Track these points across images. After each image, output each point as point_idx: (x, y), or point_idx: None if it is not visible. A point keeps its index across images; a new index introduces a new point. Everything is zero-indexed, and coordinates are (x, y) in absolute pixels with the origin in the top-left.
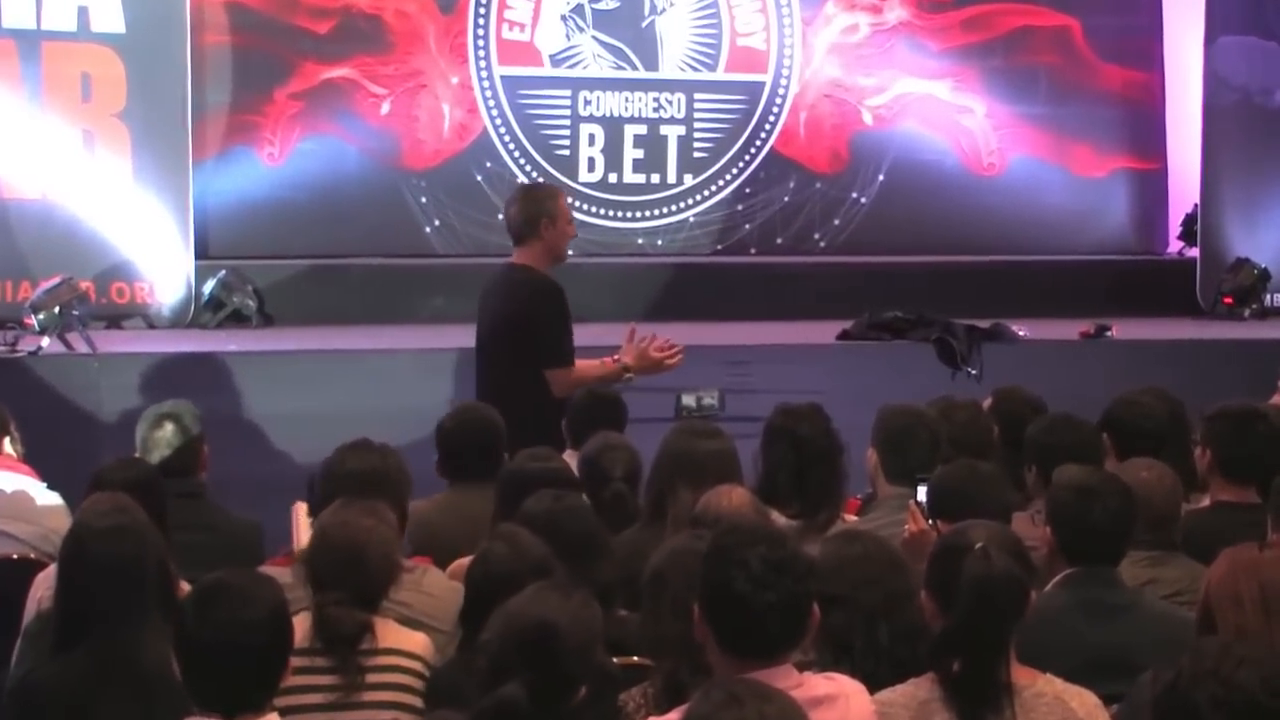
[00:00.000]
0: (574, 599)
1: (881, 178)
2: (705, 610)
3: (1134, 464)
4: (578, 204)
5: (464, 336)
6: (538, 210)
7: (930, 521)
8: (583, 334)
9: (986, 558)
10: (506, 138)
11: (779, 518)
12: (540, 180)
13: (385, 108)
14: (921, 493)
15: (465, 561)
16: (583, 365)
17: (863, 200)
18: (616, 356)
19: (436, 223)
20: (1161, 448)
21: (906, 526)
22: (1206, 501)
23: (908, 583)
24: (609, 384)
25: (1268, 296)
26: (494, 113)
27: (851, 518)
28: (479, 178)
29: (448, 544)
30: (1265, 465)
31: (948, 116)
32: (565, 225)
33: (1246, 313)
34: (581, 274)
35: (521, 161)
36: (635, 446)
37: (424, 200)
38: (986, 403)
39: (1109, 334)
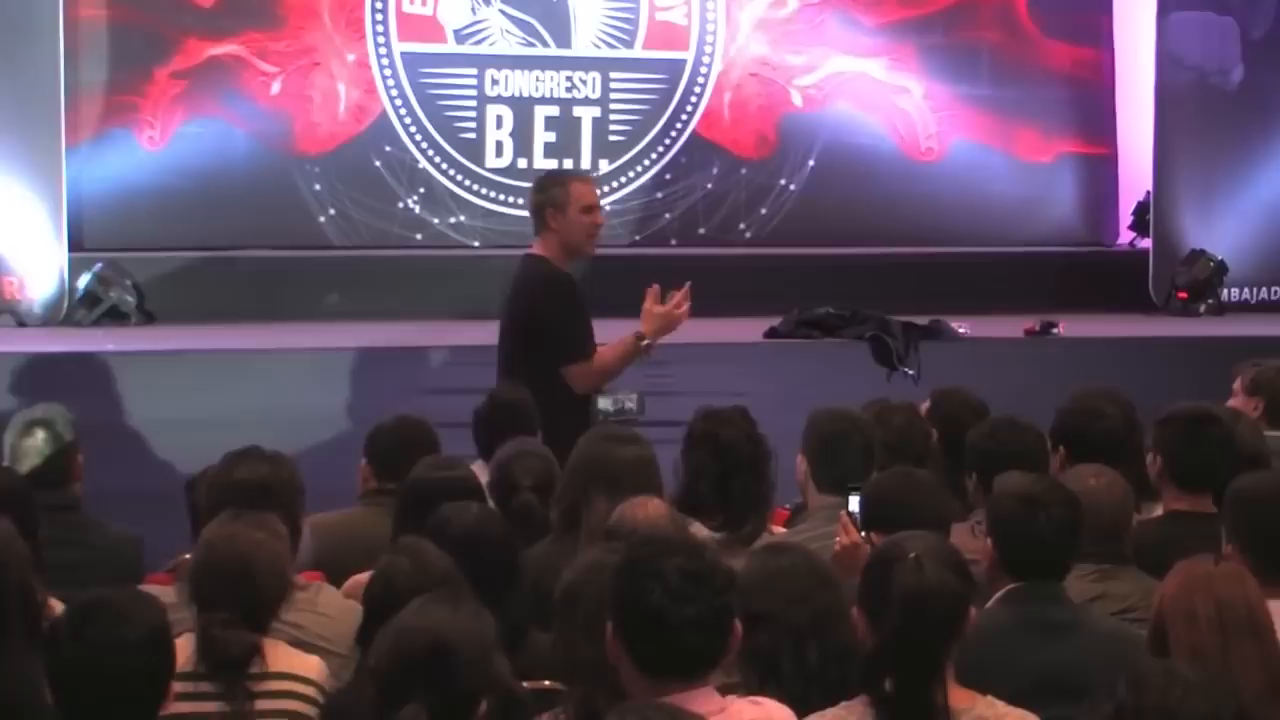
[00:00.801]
0: (463, 609)
1: (812, 163)
2: (619, 628)
3: (1081, 471)
4: (482, 190)
5: (362, 335)
6: (542, 199)
7: (864, 534)
8: (486, 332)
9: (919, 568)
10: (407, 120)
11: (700, 530)
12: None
13: (275, 87)
14: (854, 503)
15: (363, 578)
16: (601, 353)
17: (792, 187)
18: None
19: (331, 212)
20: (1119, 456)
21: (838, 539)
22: (1159, 511)
23: (839, 599)
24: (631, 363)
25: (1224, 291)
26: (394, 93)
27: (779, 530)
28: (377, 163)
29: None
30: (1218, 472)
31: (883, 97)
32: (579, 214)
33: (1202, 308)
34: (488, 268)
35: (424, 145)
36: (549, 454)
37: (318, 188)
38: (925, 406)
39: (1055, 331)
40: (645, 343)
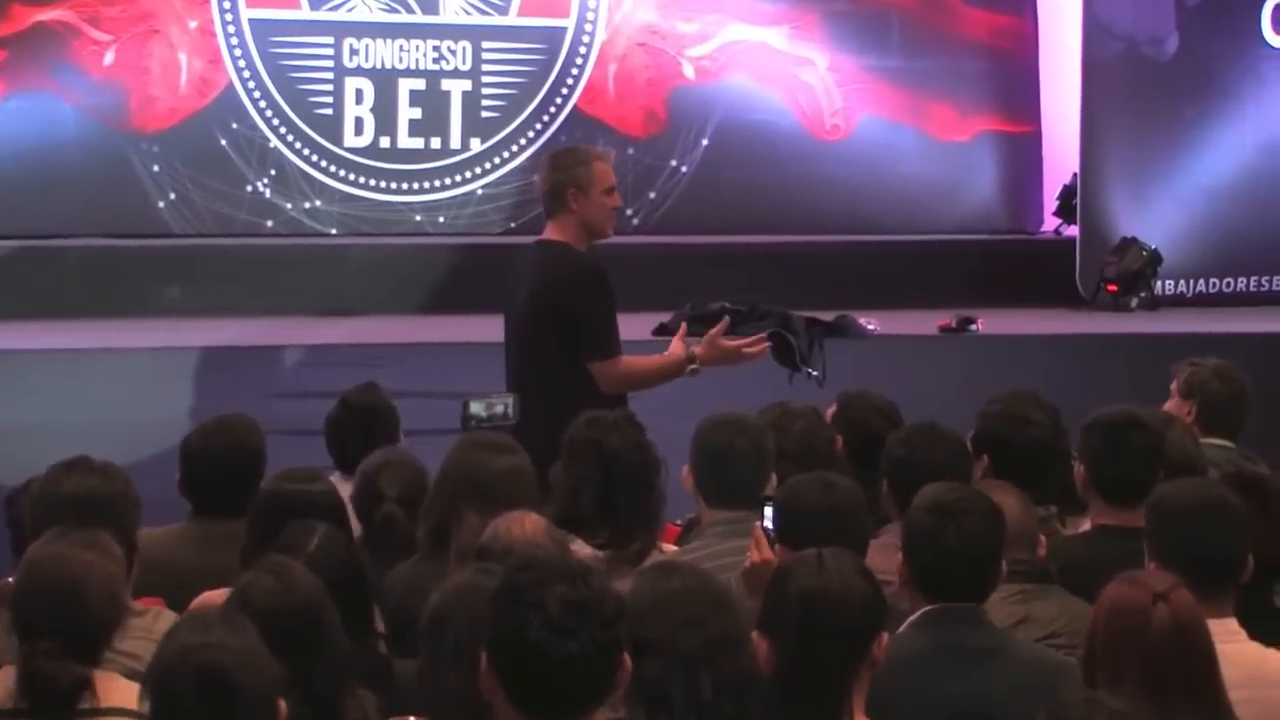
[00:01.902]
0: (241, 634)
1: (705, 142)
2: (494, 661)
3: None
4: (340, 172)
5: (206, 333)
6: (563, 178)
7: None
8: (346, 330)
9: (820, 568)
10: (256, 94)
11: (583, 548)
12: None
13: (109, 57)
14: (769, 516)
15: (213, 597)
16: (639, 359)
17: (683, 169)
18: (669, 352)
19: (172, 196)
20: (1047, 467)
21: (749, 555)
22: (1086, 526)
23: (736, 624)
24: (667, 380)
25: (1158, 283)
26: (241, 64)
27: (670, 547)
28: (223, 142)
29: (191, 584)
30: (1146, 483)
31: (784, 69)
32: (601, 196)
33: (1134, 302)
34: (347, 258)
35: (275, 122)
36: (419, 464)
37: (157, 169)
38: (830, 410)
39: (974, 328)
40: (692, 368)
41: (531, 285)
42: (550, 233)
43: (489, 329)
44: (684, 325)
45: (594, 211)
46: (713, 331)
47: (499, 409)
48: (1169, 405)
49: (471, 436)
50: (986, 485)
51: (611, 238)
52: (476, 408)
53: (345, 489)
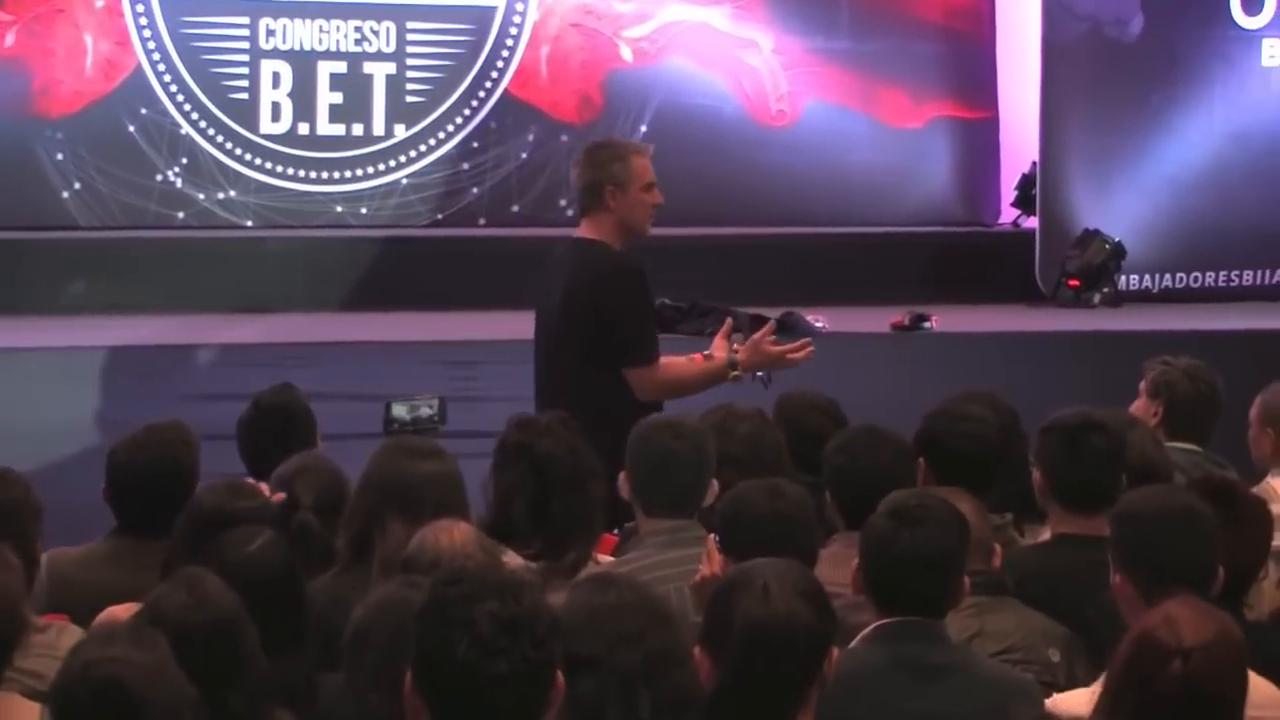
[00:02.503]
0: (149, 650)
1: (644, 129)
2: (418, 680)
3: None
4: (256, 161)
5: (113, 331)
6: (600, 176)
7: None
8: (262, 328)
9: (766, 596)
10: (167, 77)
11: (514, 559)
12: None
13: (10, 39)
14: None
15: (118, 612)
16: (678, 364)
17: None
18: (709, 352)
19: (77, 186)
20: (990, 476)
21: (701, 568)
22: (1046, 535)
23: (676, 639)
24: (710, 386)
25: (1122, 278)
26: (150, 45)
27: (606, 558)
28: (131, 128)
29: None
30: (1106, 489)
31: (727, 52)
32: (640, 193)
33: (1096, 298)
34: (264, 252)
35: (187, 108)
36: (338, 470)
37: (60, 157)
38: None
39: (927, 325)
40: (735, 374)
41: (566, 285)
42: (586, 230)
43: (413, 327)
44: (728, 322)
45: (633, 210)
46: (756, 336)
47: (424, 412)
48: (1136, 405)
49: (396, 441)
50: (945, 492)
51: (545, 229)
52: (399, 410)
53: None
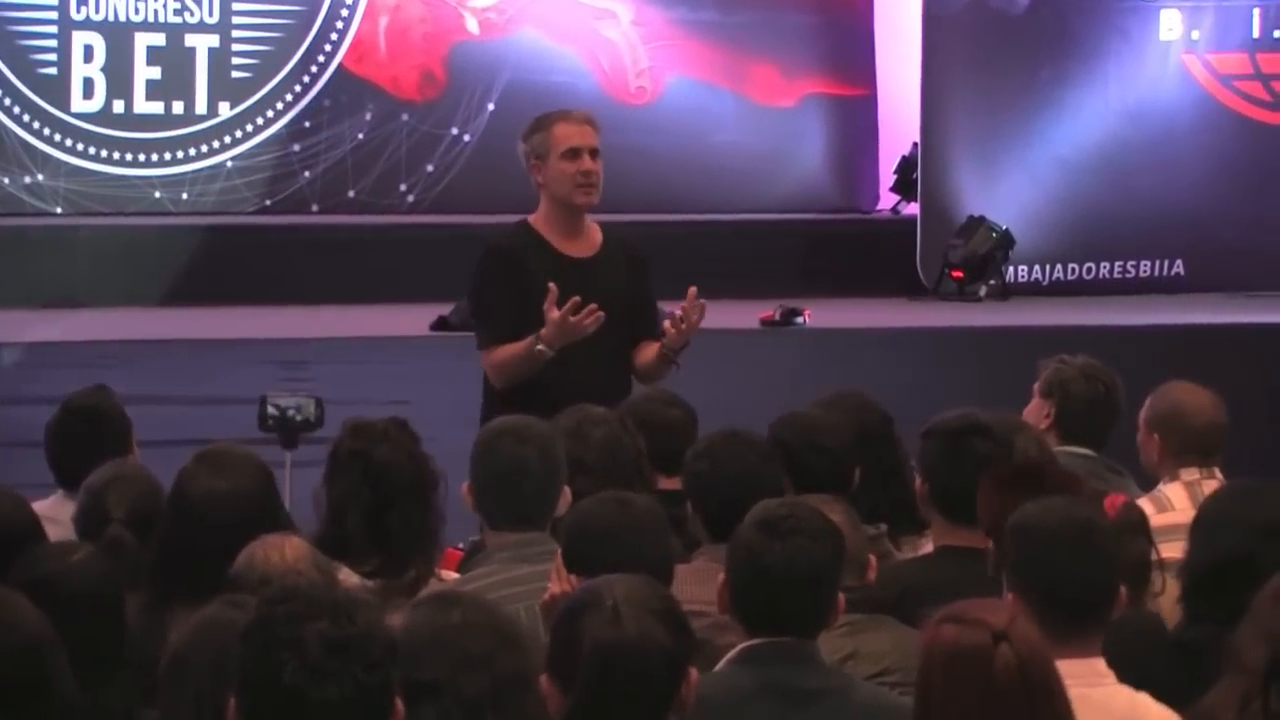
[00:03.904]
0: None
1: (491, 107)
2: (242, 707)
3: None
4: (67, 141)
5: None
6: (526, 150)
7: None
8: (72, 325)
9: (615, 618)
10: None
11: (350, 576)
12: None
13: None
14: None
15: None
16: (507, 349)
17: (466, 138)
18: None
19: None
20: (843, 484)
21: (549, 586)
22: (928, 547)
23: (526, 662)
24: (528, 367)
25: (1010, 269)
26: None
27: (450, 575)
28: None
29: None
30: None
31: (582, 24)
32: (560, 162)
33: (982, 290)
34: (76, 242)
35: None
36: (154, 481)
37: None
38: None
39: (800, 320)
40: (539, 349)
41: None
42: (535, 213)
43: (239, 323)
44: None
45: (555, 180)
46: (546, 306)
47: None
48: (1030, 407)
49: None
50: (816, 501)
51: (382, 216)
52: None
53: (67, 508)
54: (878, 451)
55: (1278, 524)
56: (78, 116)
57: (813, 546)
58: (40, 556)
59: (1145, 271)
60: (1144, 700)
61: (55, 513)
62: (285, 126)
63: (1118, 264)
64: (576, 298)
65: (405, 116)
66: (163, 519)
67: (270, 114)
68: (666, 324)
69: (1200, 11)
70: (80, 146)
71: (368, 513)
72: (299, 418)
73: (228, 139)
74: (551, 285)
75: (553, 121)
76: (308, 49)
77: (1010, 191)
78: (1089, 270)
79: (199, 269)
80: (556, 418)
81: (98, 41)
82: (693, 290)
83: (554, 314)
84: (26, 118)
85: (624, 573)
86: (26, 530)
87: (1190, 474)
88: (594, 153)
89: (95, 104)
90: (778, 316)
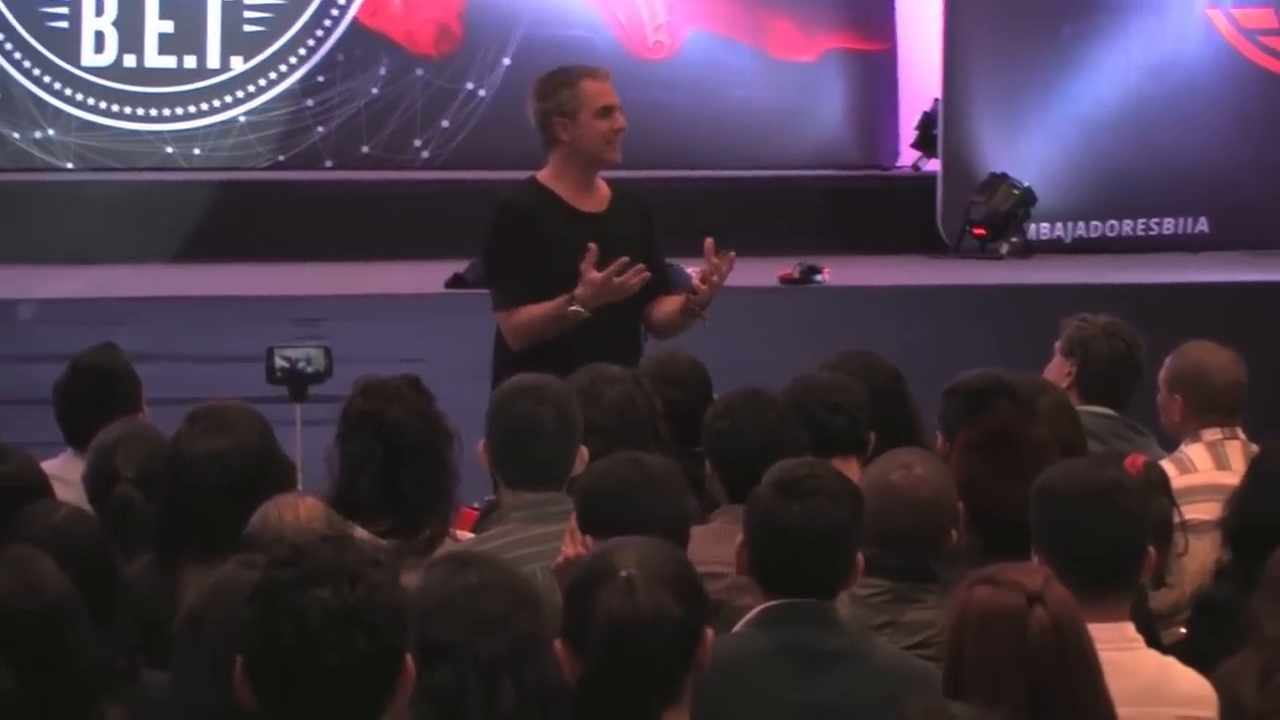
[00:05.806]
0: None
1: (507, 61)
2: (248, 670)
3: (896, 457)
4: (78, 96)
5: None
6: (547, 107)
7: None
8: (83, 281)
9: (629, 590)
10: None
11: (364, 535)
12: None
13: None
14: None
15: None
16: (532, 309)
17: (481, 93)
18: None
19: None
20: (860, 445)
21: (563, 549)
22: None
23: (541, 625)
24: (556, 327)
25: (1032, 226)
26: None
27: (465, 535)
28: None
29: None
30: None
31: None
32: (594, 120)
33: (1004, 248)
34: (87, 198)
35: (0, 37)
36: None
37: None
38: None
39: (819, 278)
40: (574, 309)
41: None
42: (544, 171)
43: (252, 280)
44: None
45: (588, 137)
46: (584, 266)
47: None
48: (1051, 366)
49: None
50: (837, 461)
51: (397, 172)
52: (282, 359)
53: (76, 467)
54: (886, 409)
55: None
56: (89, 71)
57: (832, 506)
58: (25, 519)
59: (1169, 229)
60: (1173, 664)
61: (64, 472)
62: (299, 81)
63: (1141, 221)
64: (624, 258)
65: (420, 71)
66: (163, 482)
67: (283, 68)
68: (696, 280)
69: None
70: (91, 101)
71: (380, 473)
72: (309, 369)
73: (240, 94)
74: (591, 245)
75: (578, 78)
76: (321, 2)
77: (1032, 148)
78: (1111, 228)
79: (211, 225)
80: (570, 377)
81: None
82: (709, 242)
83: (594, 275)
84: (37, 72)
85: (638, 534)
86: (35, 490)
87: (1212, 434)
88: (621, 109)
89: (107, 58)
90: (797, 274)
